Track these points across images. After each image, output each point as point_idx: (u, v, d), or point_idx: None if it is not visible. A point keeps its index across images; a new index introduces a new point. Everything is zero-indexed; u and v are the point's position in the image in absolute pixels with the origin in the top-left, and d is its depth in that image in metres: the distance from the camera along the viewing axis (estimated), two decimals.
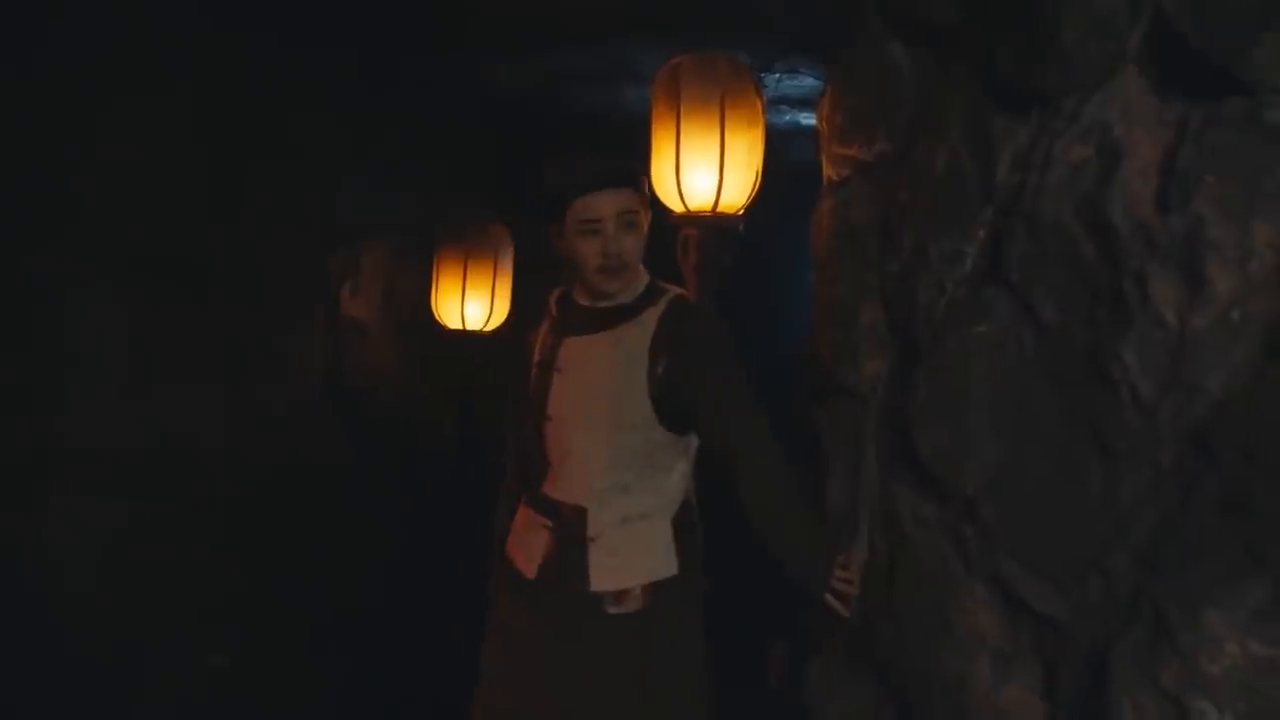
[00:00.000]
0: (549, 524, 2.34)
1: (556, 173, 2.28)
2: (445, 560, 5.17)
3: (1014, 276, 1.89)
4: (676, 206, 2.89)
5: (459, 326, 4.69)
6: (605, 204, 2.22)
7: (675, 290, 2.39)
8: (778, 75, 4.45)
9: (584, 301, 2.39)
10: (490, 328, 4.73)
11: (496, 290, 4.68)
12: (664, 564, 2.31)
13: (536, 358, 2.45)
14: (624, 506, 2.29)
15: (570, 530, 2.29)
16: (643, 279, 2.38)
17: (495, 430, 5.62)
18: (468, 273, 4.64)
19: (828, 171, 2.63)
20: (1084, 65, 1.77)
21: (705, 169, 2.81)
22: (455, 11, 3.96)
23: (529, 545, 2.38)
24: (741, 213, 2.96)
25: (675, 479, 2.35)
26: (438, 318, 4.74)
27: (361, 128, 4.84)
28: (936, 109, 2.18)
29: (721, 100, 2.81)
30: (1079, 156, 1.77)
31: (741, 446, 2.28)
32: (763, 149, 2.95)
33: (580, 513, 2.29)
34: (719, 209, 2.87)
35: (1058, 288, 1.81)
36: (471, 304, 4.66)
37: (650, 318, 2.31)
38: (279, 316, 4.55)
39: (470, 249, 4.66)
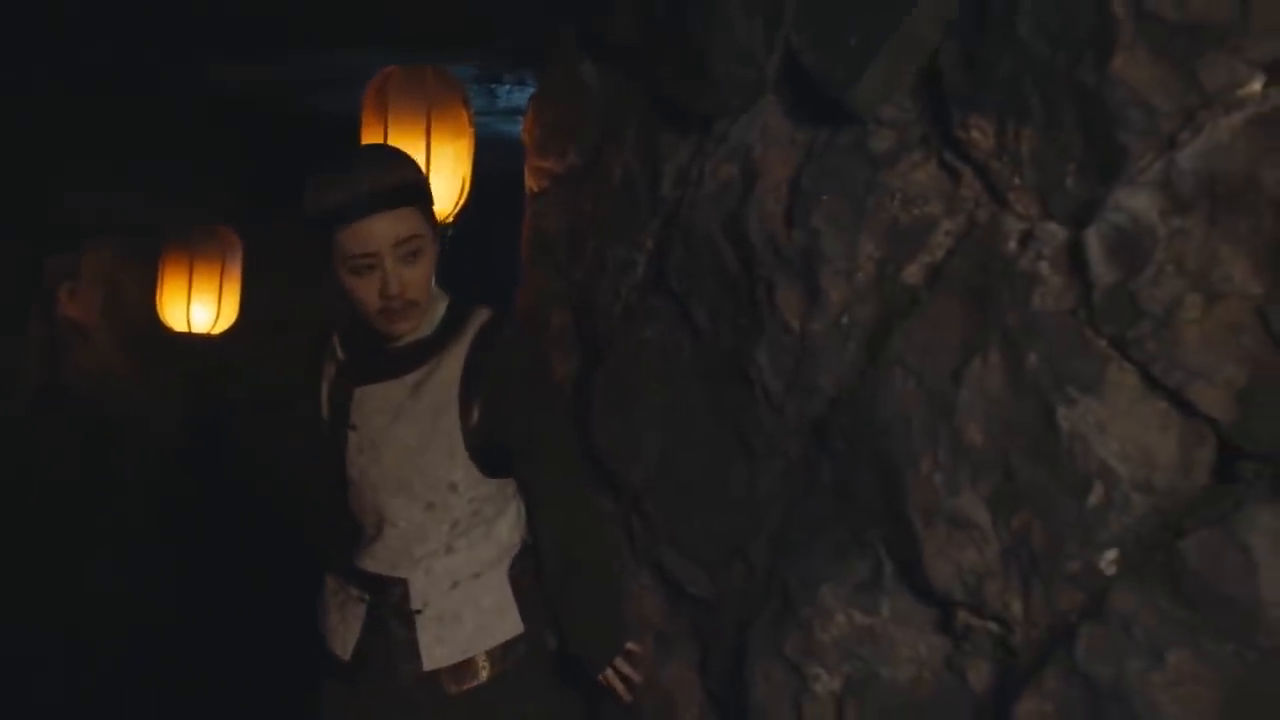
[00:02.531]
0: (364, 597, 1.95)
1: (313, 196, 1.79)
2: (181, 576, 5.04)
3: (674, 285, 2.04)
4: None
5: (184, 329, 4.60)
6: (377, 233, 1.75)
7: (484, 313, 1.94)
8: (508, 86, 4.53)
9: (372, 340, 1.93)
10: (218, 331, 4.66)
11: (224, 293, 4.62)
12: (506, 623, 1.94)
13: (326, 410, 2.00)
14: (451, 570, 1.91)
15: (391, 605, 1.91)
16: (440, 305, 1.95)
17: (247, 436, 5.58)
18: (194, 275, 4.56)
19: (529, 183, 2.73)
20: (730, 90, 1.92)
21: None
22: (179, 10, 3.89)
23: (342, 622, 1.97)
24: (450, 220, 3.04)
25: (507, 526, 1.98)
26: (163, 320, 4.63)
27: (85, 126, 4.67)
28: (617, 124, 2.31)
29: (428, 111, 2.89)
30: (726, 174, 1.92)
31: (549, 492, 1.98)
32: (471, 159, 3.04)
33: (400, 584, 1.90)
34: None
35: (709, 296, 1.96)
36: (198, 307, 4.58)
37: (455, 354, 1.89)
38: None
39: (196, 251, 4.58)
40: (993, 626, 1.50)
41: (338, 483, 1.97)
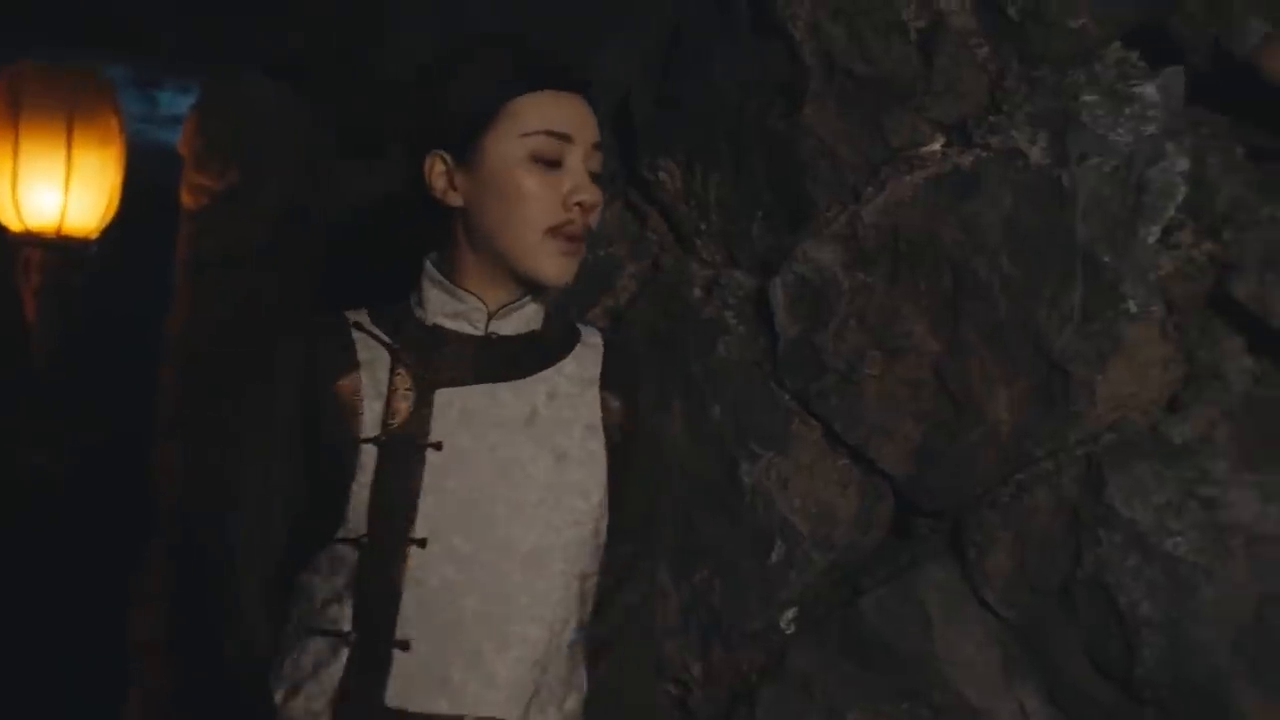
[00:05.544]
0: None
1: (488, 56, 1.22)
2: None
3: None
4: (13, 224, 2.64)
5: None
6: (576, 115, 1.20)
7: (593, 329, 1.34)
8: (169, 92, 4.23)
9: (458, 324, 1.23)
10: None
11: None
12: None
13: (374, 427, 1.19)
14: (562, 700, 1.20)
15: None
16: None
17: None
18: None
19: (186, 200, 2.51)
20: None
21: (48, 187, 2.60)
22: None
23: None
24: (95, 235, 2.76)
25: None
26: None
27: None
28: (285, 143, 2.15)
29: (69, 116, 2.60)
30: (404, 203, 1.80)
31: (628, 635, 1.29)
32: (121, 170, 2.77)
33: None
34: (65, 230, 2.66)
35: None
36: None
37: (588, 358, 1.26)
38: None
39: None
40: (671, 688, 1.45)
41: (393, 547, 1.16)
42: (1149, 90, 1.18)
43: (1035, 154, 1.23)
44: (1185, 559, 1.13)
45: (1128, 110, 1.19)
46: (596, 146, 1.20)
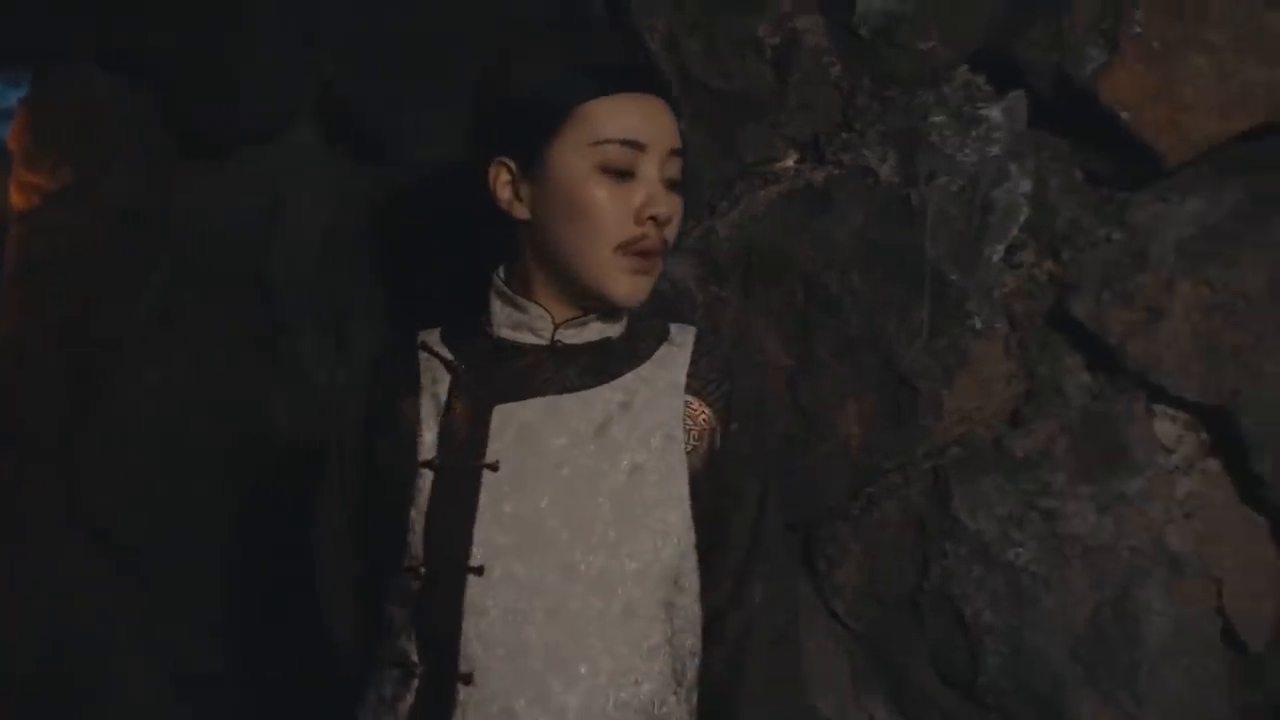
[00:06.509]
0: None
1: (559, 51, 1.13)
2: None
3: (186, 326, 1.83)
4: None
5: None
6: (653, 121, 1.10)
7: (687, 326, 1.22)
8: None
9: (522, 335, 1.16)
10: None
11: None
12: None
13: (435, 446, 1.13)
14: None
15: None
16: None
17: None
18: None
19: (15, 199, 2.38)
20: (257, 116, 1.76)
21: None
22: None
23: None
24: None
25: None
26: None
27: None
28: (122, 141, 2.06)
29: None
30: (251, 205, 1.75)
31: (745, 659, 1.14)
32: None
33: None
34: None
35: (225, 341, 1.77)
36: None
37: (674, 360, 1.16)
38: None
39: None
40: None
41: (448, 573, 1.09)
42: (994, 113, 1.22)
43: (885, 172, 1.25)
44: (1026, 569, 1.17)
45: (974, 132, 1.22)
46: (675, 152, 1.10)
